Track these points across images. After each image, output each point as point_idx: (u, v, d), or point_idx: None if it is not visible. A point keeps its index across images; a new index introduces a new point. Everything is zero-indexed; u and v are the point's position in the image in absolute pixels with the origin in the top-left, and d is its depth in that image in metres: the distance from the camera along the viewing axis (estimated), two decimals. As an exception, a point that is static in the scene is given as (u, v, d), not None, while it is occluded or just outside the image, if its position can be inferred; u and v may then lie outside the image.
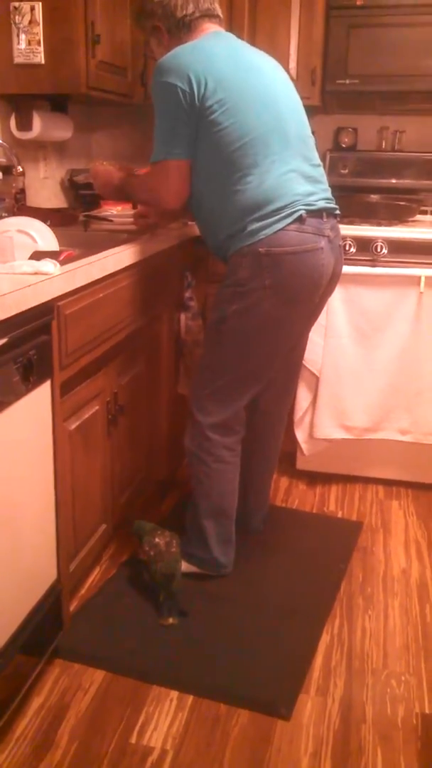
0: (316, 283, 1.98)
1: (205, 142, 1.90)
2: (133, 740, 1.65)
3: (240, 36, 2.78)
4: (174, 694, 1.80)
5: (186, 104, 1.86)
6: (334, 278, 2.10)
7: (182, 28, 2.00)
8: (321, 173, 2.05)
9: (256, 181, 1.89)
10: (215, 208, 1.98)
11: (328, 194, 2.04)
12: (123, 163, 2.65)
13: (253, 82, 1.92)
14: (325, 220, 1.98)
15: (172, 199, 2.02)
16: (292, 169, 1.93)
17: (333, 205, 2.04)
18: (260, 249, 1.90)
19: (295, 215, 1.90)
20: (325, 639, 2.01)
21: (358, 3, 2.75)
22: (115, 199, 2.39)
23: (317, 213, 1.95)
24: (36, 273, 1.61)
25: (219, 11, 2.06)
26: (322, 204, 1.98)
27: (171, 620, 2.03)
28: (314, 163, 2.03)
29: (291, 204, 1.90)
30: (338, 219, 2.08)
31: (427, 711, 1.76)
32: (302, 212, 1.90)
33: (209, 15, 2.02)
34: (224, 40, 2.00)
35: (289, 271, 1.92)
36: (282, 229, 1.89)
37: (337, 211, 2.06)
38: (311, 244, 1.93)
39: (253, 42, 2.82)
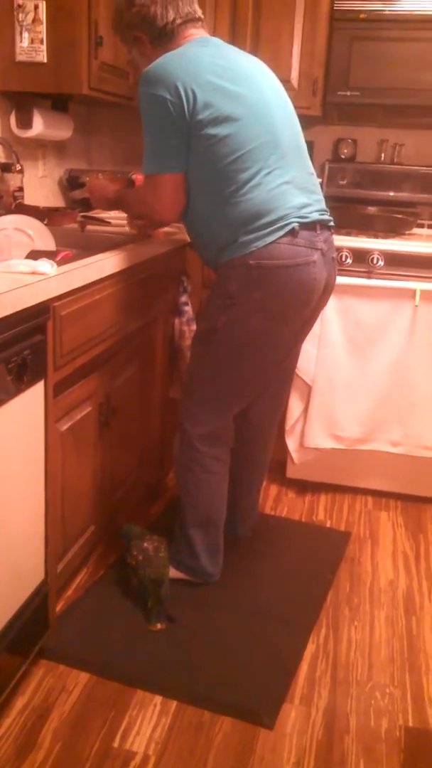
0: (306, 298, 1.95)
1: (198, 156, 1.86)
2: (116, 744, 1.64)
3: (242, 45, 2.81)
4: (158, 699, 1.79)
5: (175, 115, 1.81)
6: (327, 291, 2.06)
7: (164, 37, 1.93)
8: (315, 183, 2.02)
9: (249, 194, 1.85)
10: (208, 222, 1.95)
11: (323, 205, 2.01)
12: (116, 175, 2.65)
13: (245, 91, 1.86)
14: (318, 232, 1.94)
15: (167, 213, 1.99)
16: (287, 180, 1.89)
17: (327, 217, 2.01)
18: (251, 261, 1.87)
19: (288, 228, 1.86)
20: (310, 648, 2.01)
21: (362, 16, 2.76)
22: (110, 210, 2.38)
23: (310, 225, 1.92)
24: (33, 273, 1.61)
25: (200, 13, 1.98)
26: (315, 216, 1.94)
27: (159, 626, 2.02)
28: (309, 172, 2.00)
29: (284, 217, 1.86)
30: (332, 231, 2.05)
31: (410, 724, 1.76)
32: (295, 225, 1.87)
33: (191, 19, 1.94)
34: (211, 46, 1.93)
35: (280, 285, 1.89)
36: (274, 241, 1.86)
37: (331, 223, 2.03)
38: (303, 258, 1.90)
39: (255, 51, 2.84)
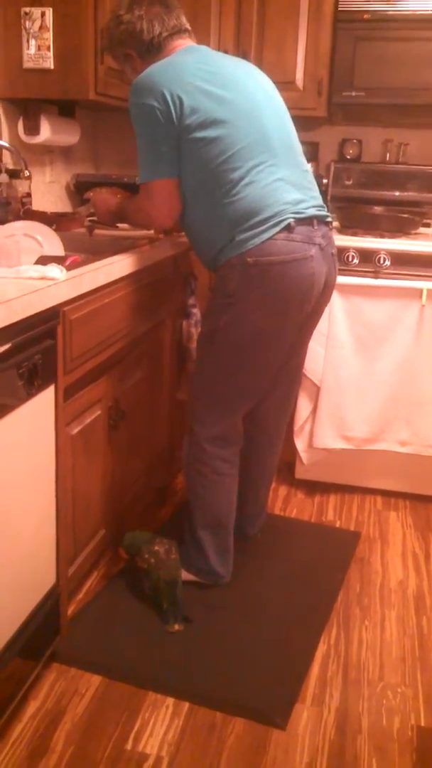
0: (306, 293, 1.96)
1: (189, 159, 1.89)
2: (129, 746, 1.65)
3: (247, 47, 2.83)
4: (170, 701, 1.80)
5: (164, 122, 1.85)
6: (328, 287, 2.07)
7: (152, 50, 1.98)
8: (310, 180, 2.03)
9: (242, 192, 1.87)
10: (205, 223, 1.97)
11: (319, 201, 2.02)
12: (117, 188, 2.68)
13: (232, 94, 1.89)
14: (315, 227, 1.95)
15: (164, 219, 2.03)
16: (280, 177, 1.91)
17: (324, 213, 2.01)
18: (248, 259, 1.88)
19: (283, 224, 1.88)
20: (321, 649, 2.01)
21: (365, 16, 2.76)
22: (115, 224, 2.41)
23: (307, 221, 1.93)
24: (42, 278, 1.62)
25: (187, 25, 2.03)
26: (312, 212, 1.95)
27: (177, 627, 2.03)
28: (303, 169, 2.01)
29: (279, 213, 1.88)
30: (330, 227, 2.06)
31: (422, 723, 1.76)
32: (290, 220, 1.88)
33: (178, 31, 2.00)
34: (197, 53, 1.97)
35: (278, 281, 1.90)
36: (270, 238, 1.87)
37: (329, 219, 2.04)
38: (300, 253, 1.91)
39: (260, 53, 2.85)
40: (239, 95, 1.90)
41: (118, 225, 2.62)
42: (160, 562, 2.05)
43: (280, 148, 1.94)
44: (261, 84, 2.01)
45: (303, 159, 2.04)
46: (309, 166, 2.09)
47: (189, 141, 1.87)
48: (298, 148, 2.04)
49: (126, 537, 2.17)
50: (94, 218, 2.70)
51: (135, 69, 2.02)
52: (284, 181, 1.92)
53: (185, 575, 2.17)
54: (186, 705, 1.79)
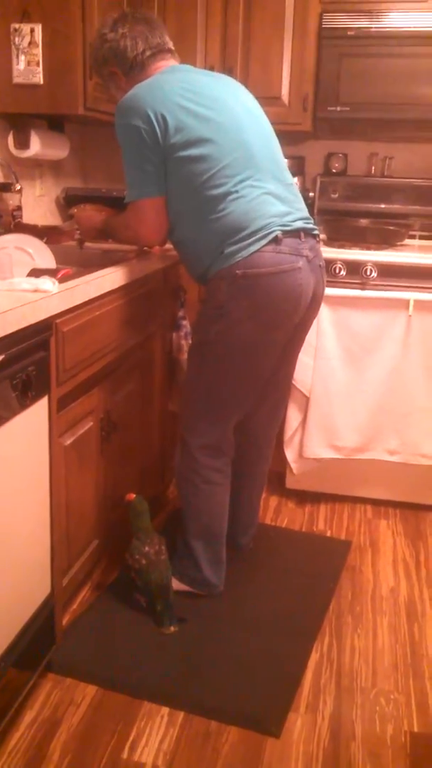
0: (294, 303, 1.98)
1: (176, 177, 1.92)
2: (125, 755, 1.65)
3: (233, 64, 2.87)
4: (165, 710, 1.80)
5: (149, 142, 1.89)
6: (316, 299, 2.10)
7: (136, 68, 2.02)
8: (295, 192, 2.06)
9: (230, 207, 1.90)
10: (193, 238, 2.00)
11: (305, 214, 2.05)
12: (101, 205, 2.72)
13: (214, 113, 1.92)
14: (302, 240, 1.98)
15: (151, 236, 2.08)
16: (266, 191, 1.94)
17: (311, 225, 2.04)
18: (237, 271, 1.91)
19: (271, 236, 1.90)
20: (314, 657, 2.02)
21: (350, 33, 2.81)
22: (100, 240, 2.43)
23: (294, 233, 1.96)
24: (35, 291, 1.63)
25: (170, 44, 2.07)
26: (299, 224, 1.98)
27: (172, 628, 2.04)
28: (288, 183, 2.04)
29: (266, 226, 1.91)
30: (318, 239, 2.09)
31: (415, 729, 1.77)
32: (278, 233, 1.91)
33: (161, 50, 2.03)
34: (180, 73, 2.00)
35: (267, 292, 1.93)
36: (258, 250, 1.90)
37: (316, 231, 2.07)
38: (288, 265, 1.94)
39: (246, 70, 2.89)
40: (222, 114, 1.94)
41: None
42: (151, 564, 2.05)
43: (265, 163, 1.97)
44: (243, 102, 2.04)
45: (288, 173, 2.07)
46: (294, 180, 2.12)
47: (175, 159, 1.90)
48: (283, 162, 2.07)
49: (135, 500, 2.11)
50: (82, 232, 2.72)
51: (120, 87, 2.06)
52: (270, 194, 1.95)
53: (178, 585, 2.18)
54: (181, 714, 1.79)
